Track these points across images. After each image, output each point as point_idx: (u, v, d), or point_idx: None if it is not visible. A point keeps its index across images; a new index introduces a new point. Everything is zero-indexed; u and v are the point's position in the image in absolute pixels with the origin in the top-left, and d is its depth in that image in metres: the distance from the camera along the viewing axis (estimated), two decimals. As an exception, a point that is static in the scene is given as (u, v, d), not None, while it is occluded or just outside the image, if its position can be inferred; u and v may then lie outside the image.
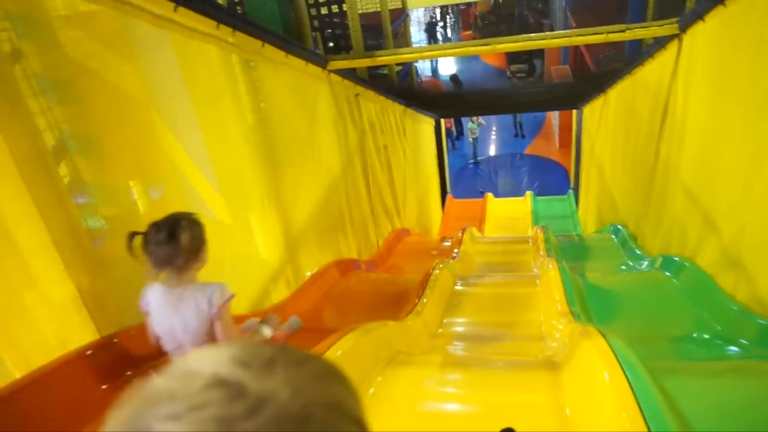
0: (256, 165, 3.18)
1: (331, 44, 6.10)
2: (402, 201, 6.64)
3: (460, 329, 2.89)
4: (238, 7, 4.08)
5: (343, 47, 5.93)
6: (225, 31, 2.81)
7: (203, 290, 1.56)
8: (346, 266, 4.31)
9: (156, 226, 1.50)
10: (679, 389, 1.54)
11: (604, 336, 1.62)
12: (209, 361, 0.42)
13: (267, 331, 1.92)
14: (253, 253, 3.12)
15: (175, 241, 1.49)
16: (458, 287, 3.66)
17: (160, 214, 2.39)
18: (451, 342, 2.63)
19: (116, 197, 2.15)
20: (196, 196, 2.64)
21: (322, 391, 0.44)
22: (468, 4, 19.42)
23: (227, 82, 2.98)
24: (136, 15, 2.19)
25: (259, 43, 3.21)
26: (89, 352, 1.84)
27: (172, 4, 2.30)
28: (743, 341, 2.42)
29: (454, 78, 12.43)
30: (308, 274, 3.79)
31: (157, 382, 0.40)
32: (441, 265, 3.75)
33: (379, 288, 4.05)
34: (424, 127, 8.75)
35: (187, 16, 2.45)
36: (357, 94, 5.03)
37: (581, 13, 11.46)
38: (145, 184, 2.30)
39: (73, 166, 1.94)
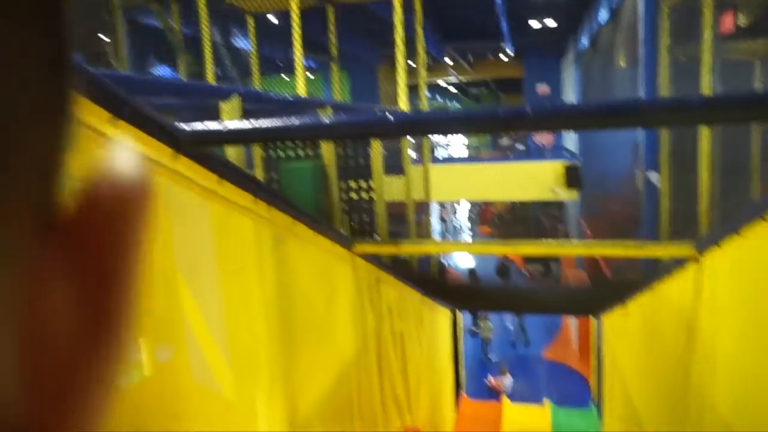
0: (272, 339, 3.07)
1: (356, 226, 6.38)
2: (415, 395, 6.24)
3: None
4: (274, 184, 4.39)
5: (367, 232, 6.19)
6: (261, 206, 2.96)
7: None
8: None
9: None
10: None
11: None
12: None
13: None
14: (250, 429, 2.84)
15: None
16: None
17: (161, 376, 2.26)
18: None
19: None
20: (204, 364, 2.50)
21: None
22: (488, 203, 20.77)
23: (255, 254, 3.04)
24: (184, 185, 2.33)
25: (290, 219, 3.35)
26: None
27: (216, 177, 2.46)
28: None
29: (471, 272, 12.75)
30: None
31: None
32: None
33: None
34: (441, 317, 8.64)
35: (229, 189, 2.61)
36: (378, 279, 5.08)
37: (593, 221, 12.03)
38: (155, 343, 2.20)
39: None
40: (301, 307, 3.56)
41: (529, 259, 15.45)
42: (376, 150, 5.90)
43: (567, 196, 12.74)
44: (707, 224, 5.49)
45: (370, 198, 6.04)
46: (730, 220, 3.02)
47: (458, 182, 13.03)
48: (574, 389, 10.65)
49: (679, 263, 4.13)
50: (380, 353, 5.11)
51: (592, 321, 8.87)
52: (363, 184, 6.08)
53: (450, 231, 21.03)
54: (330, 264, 4.16)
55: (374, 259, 5.05)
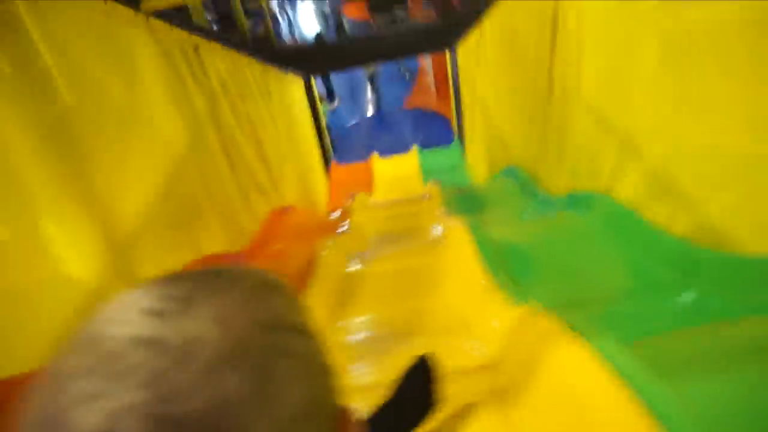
0: (38, 152, 2.19)
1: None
2: (279, 175, 5.78)
3: (356, 337, 2.19)
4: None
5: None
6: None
7: None
8: (211, 263, 3.44)
9: None
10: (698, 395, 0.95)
11: (585, 337, 1.00)
12: (118, 322, 0.36)
13: None
14: (51, 275, 2.17)
15: None
16: (351, 268, 2.97)
17: None
18: (348, 357, 1.93)
19: None
20: None
21: (254, 314, 0.40)
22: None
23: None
24: None
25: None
26: None
27: None
28: (699, 283, 1.97)
29: (318, 36, 11.68)
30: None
31: (64, 358, 0.34)
32: (329, 244, 3.04)
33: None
34: (293, 88, 7.84)
35: None
36: (196, 47, 4.05)
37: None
38: None
39: None
40: (82, 95, 2.60)
41: (374, 8, 14.32)
42: None
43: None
44: None
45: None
46: None
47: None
48: (439, 131, 10.93)
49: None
50: (224, 138, 4.38)
51: (447, 55, 8.57)
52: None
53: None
54: (116, 32, 3.04)
55: (185, 24, 3.93)
